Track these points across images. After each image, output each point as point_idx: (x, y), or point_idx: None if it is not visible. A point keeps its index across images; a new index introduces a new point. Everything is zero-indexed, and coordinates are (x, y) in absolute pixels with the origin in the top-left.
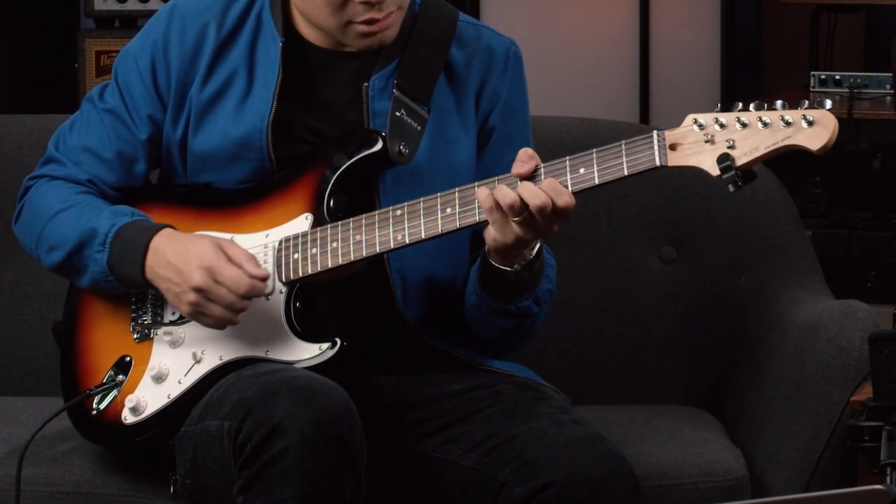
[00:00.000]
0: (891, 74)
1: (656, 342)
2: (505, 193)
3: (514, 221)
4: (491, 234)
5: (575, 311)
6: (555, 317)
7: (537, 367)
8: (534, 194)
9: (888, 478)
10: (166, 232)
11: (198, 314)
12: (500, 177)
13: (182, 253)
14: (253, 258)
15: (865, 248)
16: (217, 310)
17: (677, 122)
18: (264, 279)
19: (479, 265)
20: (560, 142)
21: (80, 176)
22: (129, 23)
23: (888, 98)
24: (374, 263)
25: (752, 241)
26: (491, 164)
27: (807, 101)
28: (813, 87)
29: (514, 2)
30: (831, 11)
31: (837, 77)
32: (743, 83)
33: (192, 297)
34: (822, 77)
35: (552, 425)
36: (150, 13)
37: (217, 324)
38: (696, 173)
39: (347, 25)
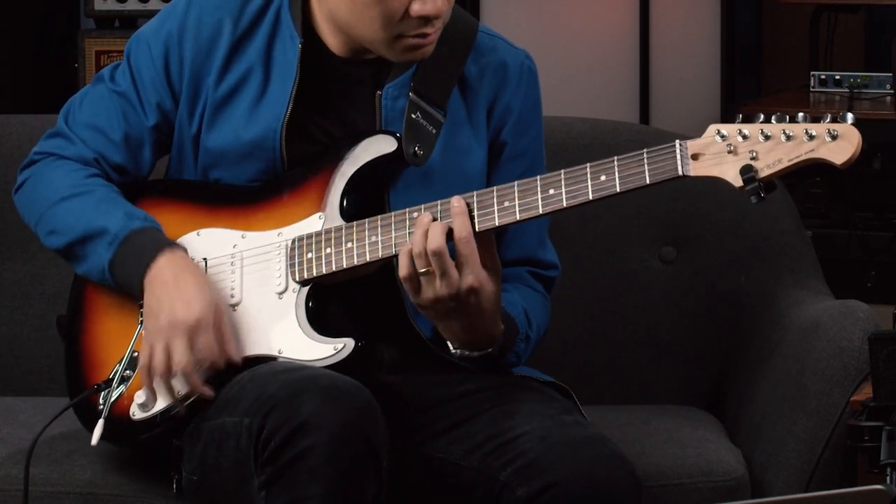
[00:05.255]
0: (891, 74)
1: (656, 342)
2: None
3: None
4: (440, 331)
5: (575, 311)
6: (555, 317)
7: (537, 367)
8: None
9: (888, 478)
10: (174, 253)
11: (147, 342)
12: (426, 205)
13: (175, 292)
14: (232, 343)
15: (865, 248)
16: (160, 353)
17: (677, 122)
18: (228, 366)
19: None
20: (560, 142)
21: (87, 154)
22: (129, 23)
23: (888, 98)
24: (383, 267)
25: (752, 241)
26: (503, 178)
27: (829, 115)
28: (813, 87)
29: (514, 2)
30: (831, 11)
31: (837, 77)
32: (743, 83)
33: (154, 331)
34: (822, 77)
35: (555, 426)
36: (150, 13)
37: (153, 358)
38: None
39: (397, 39)
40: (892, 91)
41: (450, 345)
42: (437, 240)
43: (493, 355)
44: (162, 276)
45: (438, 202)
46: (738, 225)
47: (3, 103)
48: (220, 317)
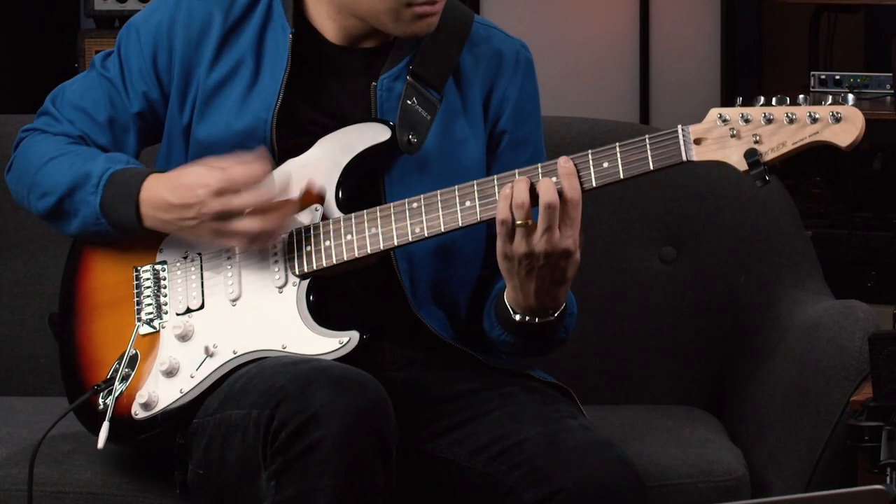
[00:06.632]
0: (891, 74)
1: (656, 342)
2: (520, 190)
3: (517, 248)
4: (509, 293)
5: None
6: None
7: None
8: (546, 190)
9: (888, 478)
10: (156, 174)
11: (223, 237)
12: (520, 169)
13: (180, 187)
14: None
15: (865, 248)
16: (243, 224)
17: (677, 122)
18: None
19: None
20: (560, 142)
21: (72, 132)
22: None
23: (888, 98)
24: (383, 259)
25: (752, 241)
26: (505, 167)
27: (831, 97)
28: (813, 87)
29: (514, 1)
30: (831, 11)
31: (837, 77)
32: (743, 83)
33: (211, 224)
34: (822, 77)
35: (561, 430)
36: None
37: (247, 237)
38: (697, 172)
39: (405, 8)
40: (892, 91)
41: (511, 310)
42: (550, 193)
43: (552, 324)
44: (156, 196)
45: (539, 165)
46: (738, 225)
47: (3, 103)
48: (228, 171)
